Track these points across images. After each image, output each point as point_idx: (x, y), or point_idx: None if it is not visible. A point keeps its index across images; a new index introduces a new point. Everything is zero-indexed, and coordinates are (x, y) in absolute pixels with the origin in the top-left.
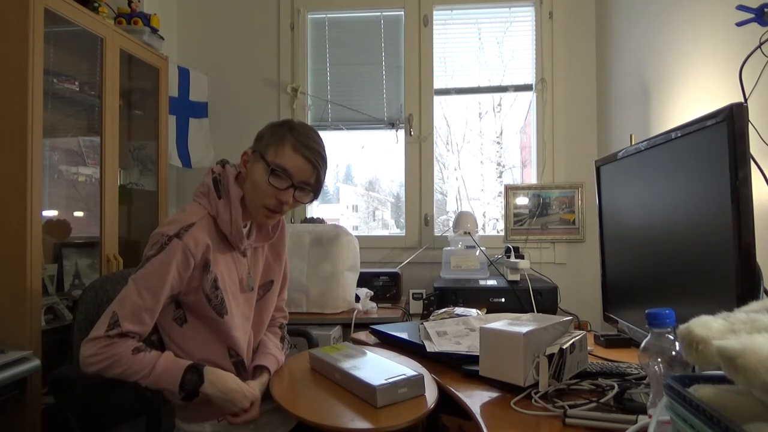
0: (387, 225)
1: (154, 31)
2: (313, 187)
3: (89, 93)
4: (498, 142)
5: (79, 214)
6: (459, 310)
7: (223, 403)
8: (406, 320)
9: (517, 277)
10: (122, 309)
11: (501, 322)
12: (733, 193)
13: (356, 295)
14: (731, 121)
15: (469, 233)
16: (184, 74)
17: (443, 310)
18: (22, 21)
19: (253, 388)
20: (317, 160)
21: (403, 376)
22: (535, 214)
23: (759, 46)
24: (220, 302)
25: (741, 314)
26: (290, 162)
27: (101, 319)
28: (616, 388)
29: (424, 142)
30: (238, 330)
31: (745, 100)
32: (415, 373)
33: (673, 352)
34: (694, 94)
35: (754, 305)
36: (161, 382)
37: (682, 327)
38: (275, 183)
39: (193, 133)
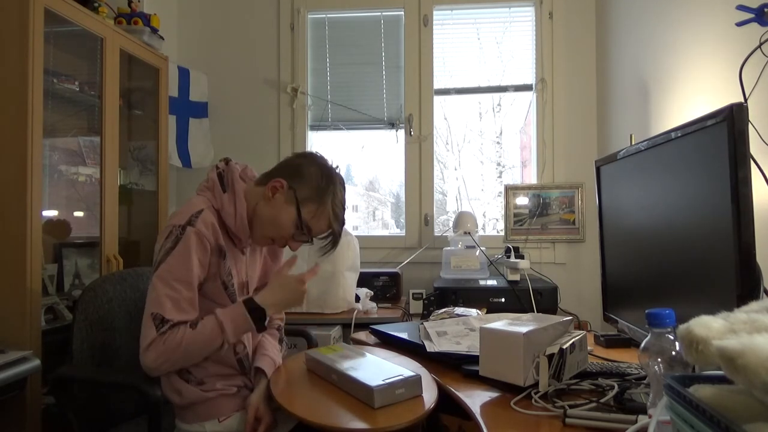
0: (387, 225)
1: (154, 31)
2: (322, 244)
3: (89, 93)
4: (498, 142)
5: (79, 214)
6: (459, 310)
7: (286, 296)
8: (406, 320)
9: (517, 277)
10: (161, 307)
11: (501, 322)
12: (733, 193)
13: (356, 295)
14: (731, 121)
15: (469, 233)
16: (184, 74)
17: (443, 310)
18: (22, 21)
19: (253, 395)
20: (340, 232)
21: (401, 377)
22: (535, 214)
23: (759, 46)
24: (234, 291)
25: (741, 314)
26: (320, 228)
27: (144, 327)
28: (616, 388)
29: (424, 142)
30: None
31: (745, 100)
32: (412, 374)
33: (673, 352)
34: (694, 94)
35: (754, 305)
36: (239, 327)
37: (682, 327)
38: (297, 237)
39: (193, 133)
